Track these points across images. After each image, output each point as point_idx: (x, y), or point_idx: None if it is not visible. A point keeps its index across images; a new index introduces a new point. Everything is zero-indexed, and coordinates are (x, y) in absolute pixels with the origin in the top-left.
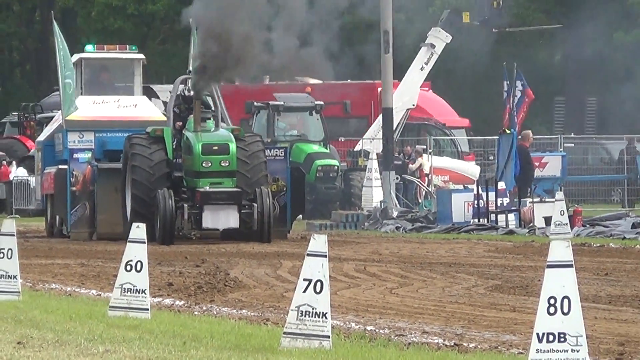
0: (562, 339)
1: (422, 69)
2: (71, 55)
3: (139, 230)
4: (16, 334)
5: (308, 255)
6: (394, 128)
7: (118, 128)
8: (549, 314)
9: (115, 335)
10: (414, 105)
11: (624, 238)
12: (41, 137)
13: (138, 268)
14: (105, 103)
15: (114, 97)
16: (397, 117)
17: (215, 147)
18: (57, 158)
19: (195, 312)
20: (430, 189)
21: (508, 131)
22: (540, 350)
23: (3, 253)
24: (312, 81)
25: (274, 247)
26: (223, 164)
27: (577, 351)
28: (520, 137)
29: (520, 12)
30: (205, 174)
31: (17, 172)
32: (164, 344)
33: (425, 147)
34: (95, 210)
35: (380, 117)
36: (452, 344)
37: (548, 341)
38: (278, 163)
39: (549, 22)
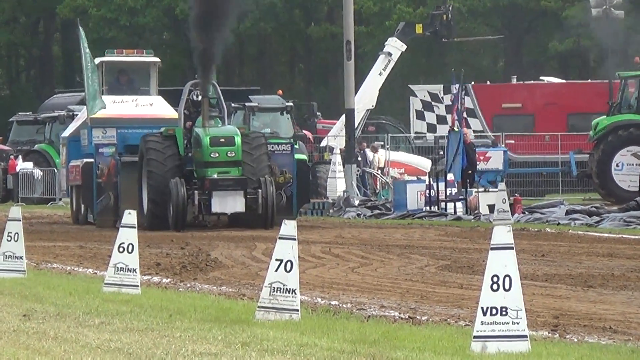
0: (504, 313)
1: (380, 74)
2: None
3: (130, 217)
4: (22, 307)
5: (280, 238)
6: (355, 126)
7: (137, 125)
8: (493, 290)
9: (109, 309)
10: (372, 106)
11: (559, 224)
12: (65, 133)
13: (129, 250)
14: (124, 102)
15: (132, 97)
16: (358, 117)
17: (222, 140)
18: (82, 152)
19: (180, 289)
20: (387, 180)
21: (456, 129)
22: (485, 322)
23: (10, 236)
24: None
25: (249, 232)
26: (229, 155)
27: (517, 323)
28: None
29: (466, 24)
30: (214, 164)
31: (23, 165)
32: (152, 317)
33: (382, 143)
34: (119, 200)
35: (343, 117)
36: (407, 317)
37: (491, 314)
38: (285, 157)
39: (492, 34)
